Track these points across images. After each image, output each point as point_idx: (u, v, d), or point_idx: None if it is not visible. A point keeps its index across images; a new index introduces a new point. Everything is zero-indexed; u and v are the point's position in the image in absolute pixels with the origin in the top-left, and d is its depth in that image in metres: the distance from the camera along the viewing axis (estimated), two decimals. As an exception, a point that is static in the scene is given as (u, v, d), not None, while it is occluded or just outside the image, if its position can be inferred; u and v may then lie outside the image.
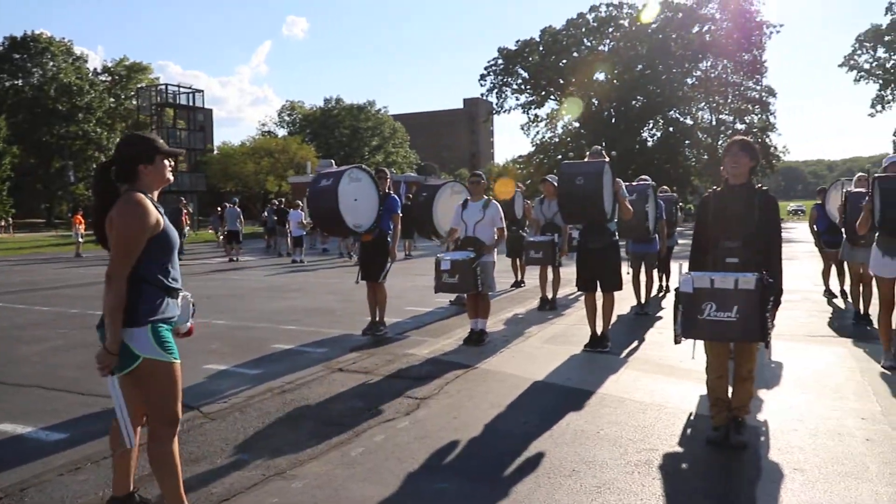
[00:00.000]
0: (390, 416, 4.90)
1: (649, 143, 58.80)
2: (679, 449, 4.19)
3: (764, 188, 4.44)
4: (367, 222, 7.73)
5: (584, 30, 57.98)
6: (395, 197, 8.21)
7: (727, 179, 4.47)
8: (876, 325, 6.54)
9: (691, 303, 3.96)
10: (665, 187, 12.28)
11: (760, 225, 4.26)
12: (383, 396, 5.40)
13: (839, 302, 10.03)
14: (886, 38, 50.07)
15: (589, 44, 58.37)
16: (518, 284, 12.41)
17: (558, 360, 6.58)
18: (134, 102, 56.87)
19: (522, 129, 60.83)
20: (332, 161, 34.86)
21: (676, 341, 4.17)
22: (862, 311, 8.14)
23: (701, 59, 55.16)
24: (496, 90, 60.28)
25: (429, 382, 5.80)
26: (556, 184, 10.04)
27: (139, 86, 57.66)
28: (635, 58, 54.16)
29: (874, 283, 6.30)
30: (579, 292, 11.46)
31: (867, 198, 6.03)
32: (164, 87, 54.30)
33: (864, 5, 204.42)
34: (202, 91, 56.82)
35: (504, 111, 61.18)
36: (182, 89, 54.56)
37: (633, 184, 9.01)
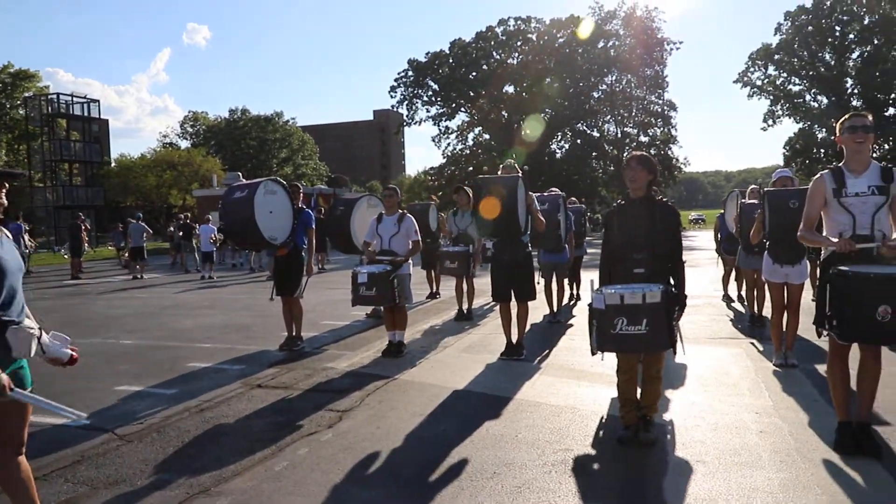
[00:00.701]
0: (313, 429, 4.92)
1: (558, 155, 60.60)
2: (592, 448, 4.42)
3: (664, 200, 4.75)
4: (282, 235, 7.70)
5: (493, 43, 59.27)
6: (309, 211, 8.22)
7: (628, 193, 4.76)
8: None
9: (604, 318, 4.16)
10: (573, 199, 12.74)
11: (663, 235, 4.56)
12: (304, 410, 5.40)
13: (737, 305, 10.69)
14: (776, 57, 53.60)
15: (498, 57, 59.67)
16: (433, 296, 12.57)
17: (476, 368, 6.75)
18: (21, 112, 53.61)
19: (433, 140, 61.45)
20: (240, 174, 34.04)
21: (593, 353, 4.40)
22: (756, 314, 8.71)
23: (606, 74, 57.38)
24: (407, 102, 60.68)
25: (349, 395, 5.84)
26: (470, 194, 10.30)
27: (26, 94, 54.42)
28: (543, 71, 55.72)
29: (767, 287, 6.80)
30: (493, 302, 11.79)
31: (759, 209, 6.52)
32: (55, 96, 51.48)
33: (757, 25, 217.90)
34: (97, 101, 54.26)
35: (415, 123, 61.63)
36: (76, 99, 51.95)
37: (545, 195, 9.34)
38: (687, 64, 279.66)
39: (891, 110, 49.10)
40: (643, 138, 59.95)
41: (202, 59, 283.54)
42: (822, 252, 4.41)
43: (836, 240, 4.16)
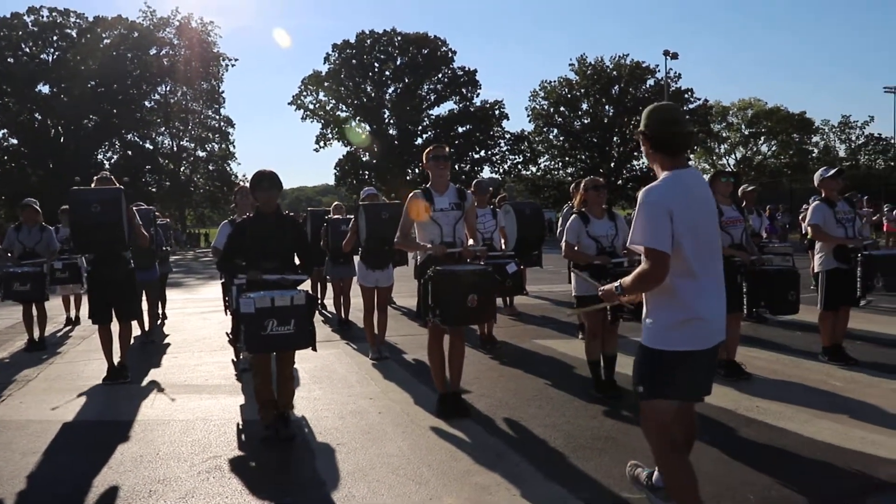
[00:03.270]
0: None
1: (107, 166, 55.83)
2: (241, 451, 4.60)
3: (291, 214, 5.20)
4: None
5: (21, 33, 51.73)
6: None
7: (258, 207, 5.07)
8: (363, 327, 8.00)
9: (254, 321, 4.39)
10: (158, 213, 12.23)
11: (292, 245, 5.02)
12: None
13: (327, 312, 11.55)
14: (326, 84, 58.42)
15: (28, 50, 52.41)
16: (-16, 326, 10.73)
17: (76, 398, 6.18)
18: None
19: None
20: None
21: (238, 357, 4.58)
22: (344, 318, 9.70)
23: (160, 83, 55.12)
24: None
25: (-80, 447, 4.85)
26: (38, 207, 9.18)
27: None
28: (87, 73, 50.81)
29: (355, 293, 7.72)
30: (67, 327, 10.66)
31: (352, 221, 7.41)
32: None
33: (310, 51, 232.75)
34: None
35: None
36: None
37: (136, 209, 8.88)
38: (244, 81, 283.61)
39: (419, 140, 57.86)
40: (201, 153, 59.31)
41: None
42: (419, 256, 5.39)
43: (429, 245, 5.17)
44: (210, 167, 59.42)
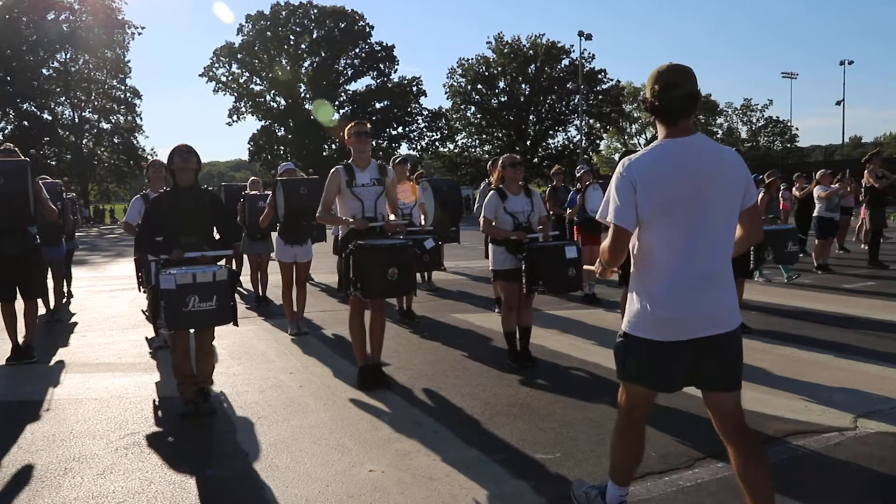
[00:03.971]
0: None
1: (0, 137, 52.48)
2: (159, 428, 4.57)
3: (210, 189, 5.14)
4: None
5: None
6: None
7: (175, 181, 4.98)
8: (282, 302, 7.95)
9: (175, 298, 4.30)
10: (63, 188, 11.66)
11: (213, 220, 4.97)
12: None
13: (243, 289, 11.37)
14: (239, 56, 56.56)
15: None
16: None
17: (-21, 378, 5.95)
18: None
19: None
20: None
21: (156, 334, 4.51)
22: (261, 294, 9.59)
23: (59, 50, 52.04)
24: None
25: None
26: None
27: None
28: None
29: (272, 270, 7.66)
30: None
31: (270, 197, 7.34)
32: None
33: (222, 21, 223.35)
34: None
35: None
36: None
37: (42, 182, 8.48)
38: (153, 51, 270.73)
39: (336, 115, 56.86)
40: (105, 125, 56.62)
41: None
42: (341, 231, 5.43)
43: (351, 219, 5.22)
44: (115, 140, 56.81)
